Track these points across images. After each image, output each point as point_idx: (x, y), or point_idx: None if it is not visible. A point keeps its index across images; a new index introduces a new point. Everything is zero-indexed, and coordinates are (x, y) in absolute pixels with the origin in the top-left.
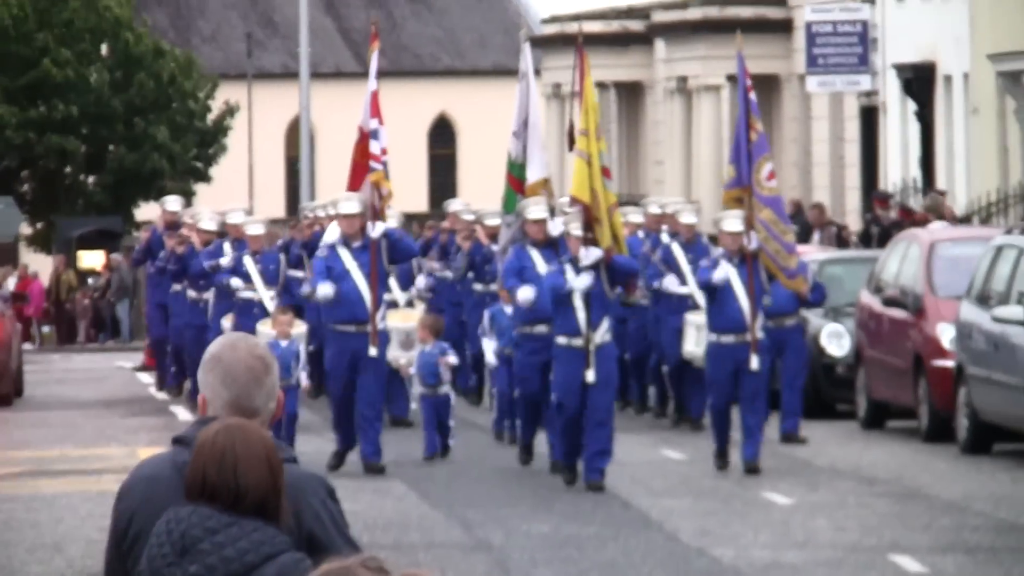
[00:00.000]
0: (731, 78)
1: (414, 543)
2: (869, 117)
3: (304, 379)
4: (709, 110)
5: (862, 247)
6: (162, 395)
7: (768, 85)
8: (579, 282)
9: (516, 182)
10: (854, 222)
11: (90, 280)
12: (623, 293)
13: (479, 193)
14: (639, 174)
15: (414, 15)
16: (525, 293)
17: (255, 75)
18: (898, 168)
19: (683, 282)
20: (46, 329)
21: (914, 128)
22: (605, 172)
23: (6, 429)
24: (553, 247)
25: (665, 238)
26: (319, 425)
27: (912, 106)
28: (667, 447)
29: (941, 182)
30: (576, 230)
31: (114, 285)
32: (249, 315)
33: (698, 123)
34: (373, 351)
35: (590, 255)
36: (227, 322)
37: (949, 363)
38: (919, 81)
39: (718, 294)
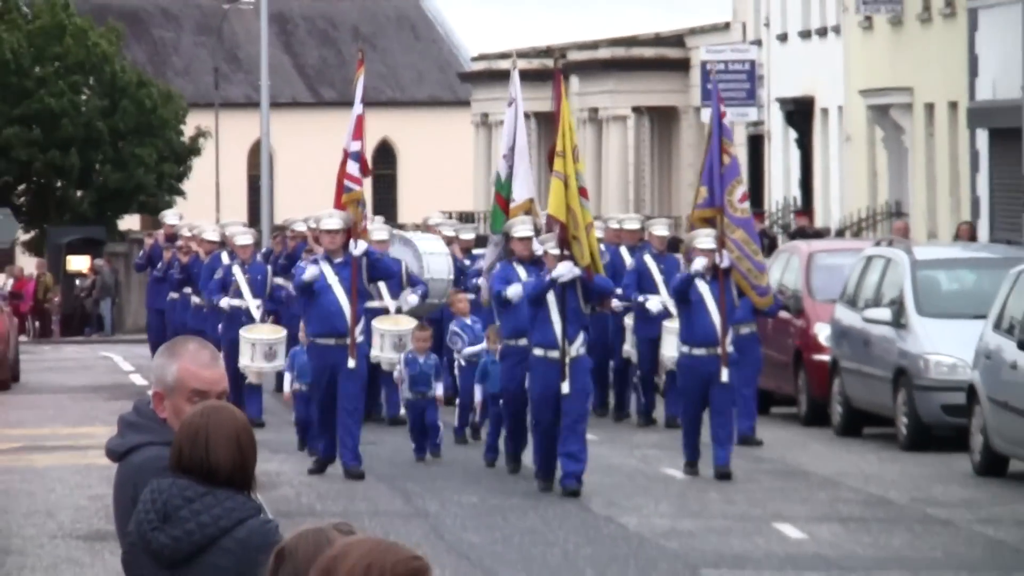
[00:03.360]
0: (636, 109)
1: (360, 511)
2: (756, 144)
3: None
4: (617, 138)
5: None
6: (142, 381)
7: (668, 116)
8: (560, 270)
9: (503, 201)
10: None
11: (77, 281)
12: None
13: (416, 208)
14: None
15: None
16: (514, 289)
17: (221, 104)
18: (781, 188)
19: (656, 291)
20: (39, 324)
21: (795, 154)
22: (582, 192)
23: (4, 411)
24: (538, 265)
25: (624, 251)
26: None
27: (793, 134)
28: None
29: (818, 202)
30: (553, 249)
31: (98, 286)
32: (237, 323)
33: (607, 149)
34: (352, 363)
35: (568, 272)
36: (222, 328)
37: (825, 357)
38: (799, 113)
39: (691, 308)
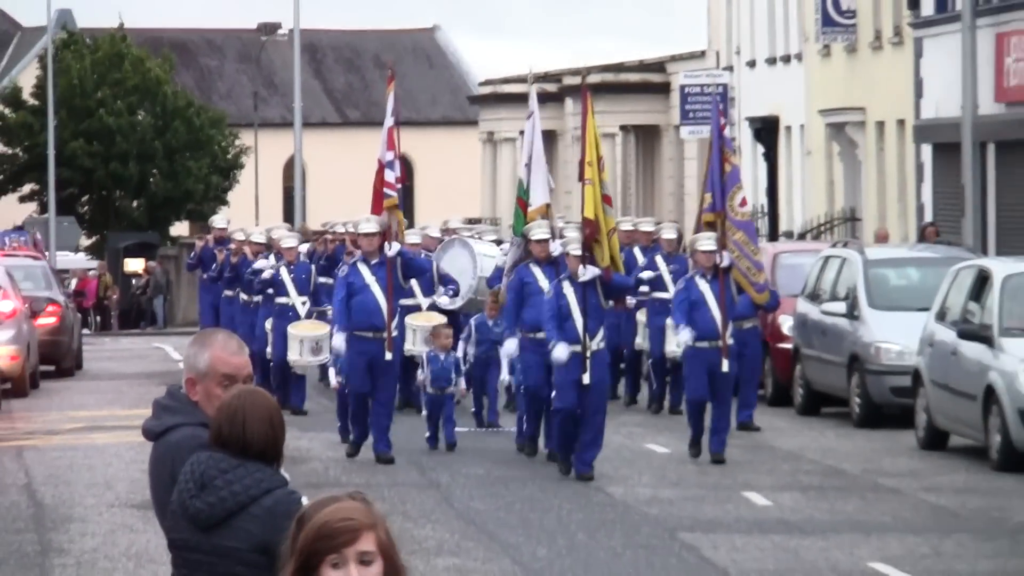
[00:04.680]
0: (623, 127)
1: (380, 483)
2: None
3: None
4: (606, 152)
5: None
6: None
7: (651, 133)
8: (559, 353)
9: (524, 205)
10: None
11: (133, 281)
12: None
13: (431, 214)
14: (554, 202)
15: (381, 79)
16: (510, 346)
17: (260, 124)
18: (750, 197)
19: (664, 288)
20: (100, 318)
21: (763, 166)
22: (606, 199)
23: (69, 395)
24: (554, 265)
25: (637, 251)
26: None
27: (761, 149)
28: None
29: (783, 209)
30: (575, 250)
31: (151, 285)
32: (285, 318)
33: None
34: (388, 356)
35: (588, 273)
36: (268, 324)
37: (788, 345)
38: (766, 130)
39: (694, 305)
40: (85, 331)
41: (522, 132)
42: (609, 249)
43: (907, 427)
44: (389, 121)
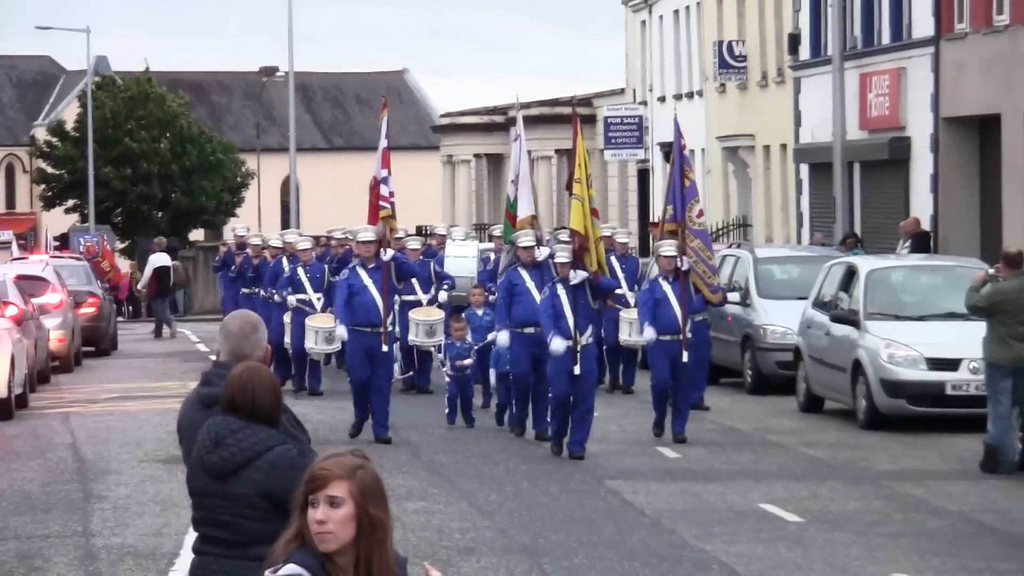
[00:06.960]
0: (559, 151)
1: (361, 442)
2: (643, 176)
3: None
4: (544, 172)
5: (647, 257)
6: (205, 348)
7: None
8: (556, 345)
9: (512, 217)
10: (633, 240)
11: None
12: (601, 301)
13: (401, 223)
14: (500, 215)
15: (360, 112)
16: (503, 338)
17: (261, 149)
18: (658, 209)
19: (619, 285)
20: (131, 308)
21: None
22: (594, 212)
23: (106, 370)
24: (539, 268)
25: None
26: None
27: (669, 169)
28: None
29: None
30: (564, 257)
31: (174, 280)
32: (302, 312)
33: (537, 181)
34: (385, 348)
35: (578, 276)
36: (287, 317)
37: None
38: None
39: (658, 303)
40: (119, 319)
41: (476, 155)
42: (596, 255)
43: (790, 394)
44: (383, 143)
